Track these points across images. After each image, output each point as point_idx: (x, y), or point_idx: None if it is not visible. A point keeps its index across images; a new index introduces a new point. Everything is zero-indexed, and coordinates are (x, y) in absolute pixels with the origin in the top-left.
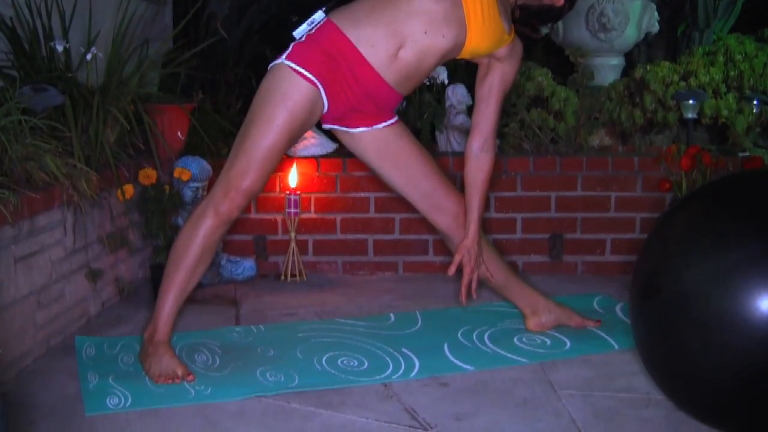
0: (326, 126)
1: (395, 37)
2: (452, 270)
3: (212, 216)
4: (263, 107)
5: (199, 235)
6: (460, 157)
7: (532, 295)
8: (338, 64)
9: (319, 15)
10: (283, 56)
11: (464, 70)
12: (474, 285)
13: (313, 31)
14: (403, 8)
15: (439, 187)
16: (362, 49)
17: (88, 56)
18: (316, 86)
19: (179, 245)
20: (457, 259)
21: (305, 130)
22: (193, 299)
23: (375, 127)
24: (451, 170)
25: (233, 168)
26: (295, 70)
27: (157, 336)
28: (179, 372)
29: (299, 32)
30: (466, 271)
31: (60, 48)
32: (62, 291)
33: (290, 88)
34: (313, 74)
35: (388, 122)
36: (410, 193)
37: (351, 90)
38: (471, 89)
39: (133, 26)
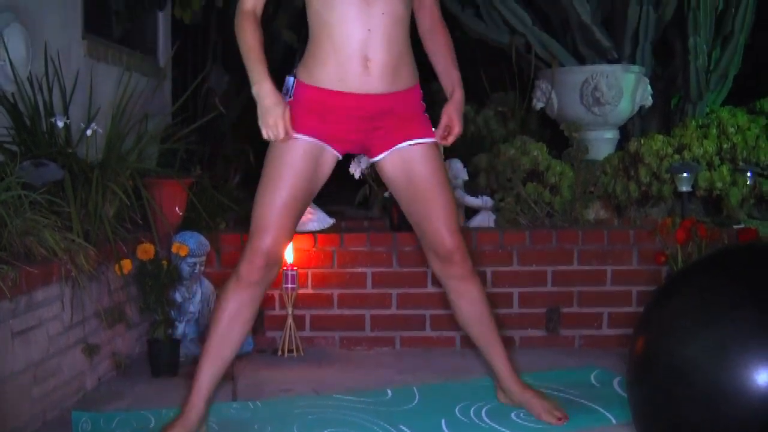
0: (372, 160)
1: (353, 57)
2: (441, 136)
3: (234, 280)
4: (268, 171)
5: (224, 301)
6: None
7: (505, 369)
8: (329, 111)
9: (289, 80)
10: None
11: (460, 144)
12: (451, 140)
13: (291, 97)
14: (335, 25)
15: (442, 228)
16: (338, 87)
17: (88, 132)
18: (313, 140)
19: (212, 315)
20: (443, 122)
21: (318, 184)
22: (190, 374)
23: (406, 143)
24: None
25: (251, 231)
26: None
27: (187, 407)
28: None
29: None
30: (453, 133)
31: (60, 123)
32: (59, 365)
33: (288, 150)
34: (304, 134)
35: (422, 140)
36: (419, 226)
37: (358, 120)
38: (466, 164)
39: (132, 101)
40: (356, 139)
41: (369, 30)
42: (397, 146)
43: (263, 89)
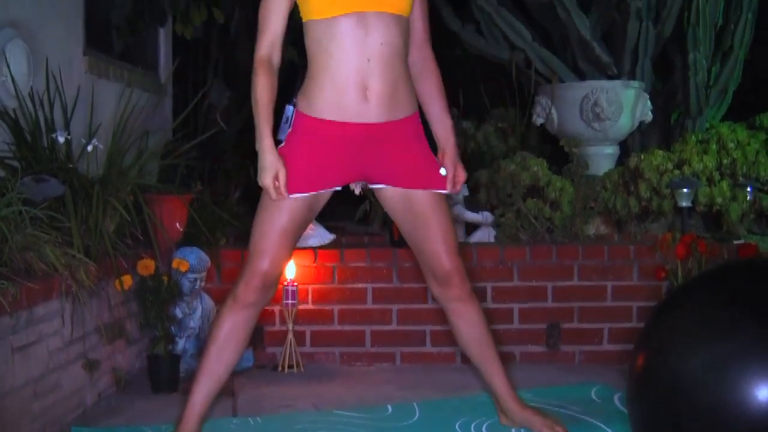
0: (373, 186)
1: (352, 86)
2: (450, 188)
3: (231, 299)
4: (265, 201)
5: (220, 321)
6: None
7: (503, 387)
8: (327, 142)
9: (288, 110)
10: None
11: (461, 161)
12: (459, 188)
13: (291, 127)
14: (333, 54)
15: (440, 250)
16: (336, 117)
17: (89, 147)
18: (307, 196)
19: (209, 333)
20: (450, 174)
21: (316, 211)
22: (189, 389)
23: (413, 190)
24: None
25: (249, 253)
26: None
27: (181, 423)
28: None
29: (282, 134)
30: (460, 182)
31: (61, 139)
32: (59, 381)
33: (280, 204)
34: (298, 193)
35: (432, 191)
36: (417, 248)
37: (356, 150)
38: (466, 180)
39: (133, 117)
40: (355, 170)
41: (368, 60)
42: (404, 189)
43: (263, 146)
